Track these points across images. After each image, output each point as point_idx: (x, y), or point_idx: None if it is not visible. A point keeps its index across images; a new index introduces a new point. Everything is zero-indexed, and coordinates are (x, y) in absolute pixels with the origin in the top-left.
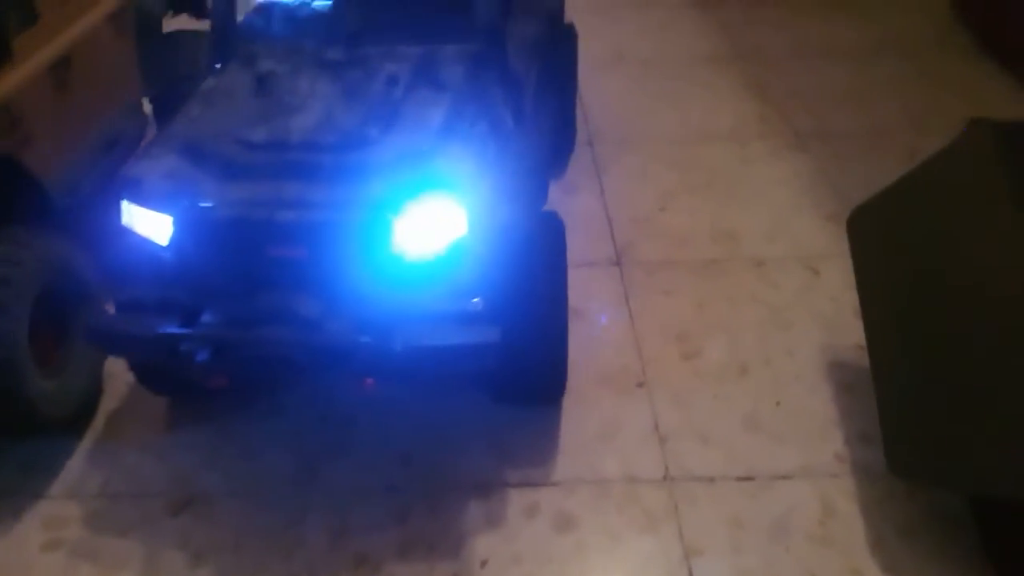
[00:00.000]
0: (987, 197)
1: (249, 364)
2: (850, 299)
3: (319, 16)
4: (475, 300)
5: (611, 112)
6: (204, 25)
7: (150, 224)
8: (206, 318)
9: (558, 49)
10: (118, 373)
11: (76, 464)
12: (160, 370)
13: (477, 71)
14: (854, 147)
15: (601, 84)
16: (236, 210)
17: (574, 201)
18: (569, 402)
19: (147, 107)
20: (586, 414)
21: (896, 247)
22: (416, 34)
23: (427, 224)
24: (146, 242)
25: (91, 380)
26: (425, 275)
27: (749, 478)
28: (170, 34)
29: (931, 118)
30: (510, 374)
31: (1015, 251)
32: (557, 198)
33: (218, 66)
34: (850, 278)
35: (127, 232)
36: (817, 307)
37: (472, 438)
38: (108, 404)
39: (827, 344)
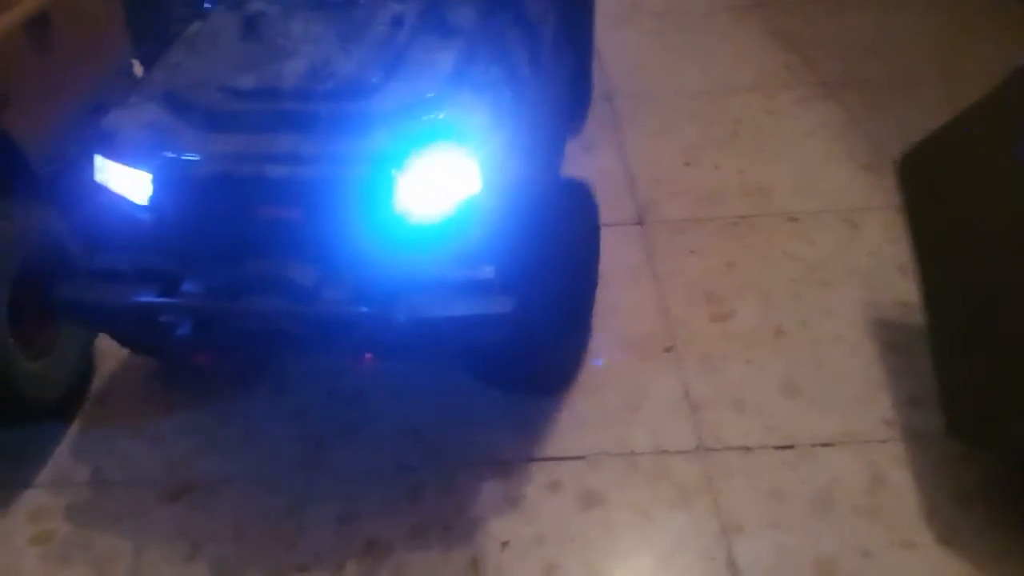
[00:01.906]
0: None
1: (236, 338)
2: (891, 253)
3: None
4: (487, 268)
5: (628, 66)
6: None
7: (126, 181)
8: (188, 287)
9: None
10: (110, 351)
11: (65, 451)
12: (141, 343)
13: (489, 14)
14: (886, 95)
15: (616, 37)
16: (221, 165)
17: (592, 158)
18: (592, 371)
19: (138, 69)
20: (610, 382)
21: (953, 193)
22: None
23: (435, 180)
24: (122, 201)
25: (80, 360)
26: (432, 238)
27: (789, 446)
28: None
29: (965, 64)
30: (514, 354)
31: None
32: (575, 155)
33: (207, 7)
34: (890, 231)
35: (101, 190)
36: (856, 263)
37: (487, 411)
38: (99, 385)
39: (869, 301)
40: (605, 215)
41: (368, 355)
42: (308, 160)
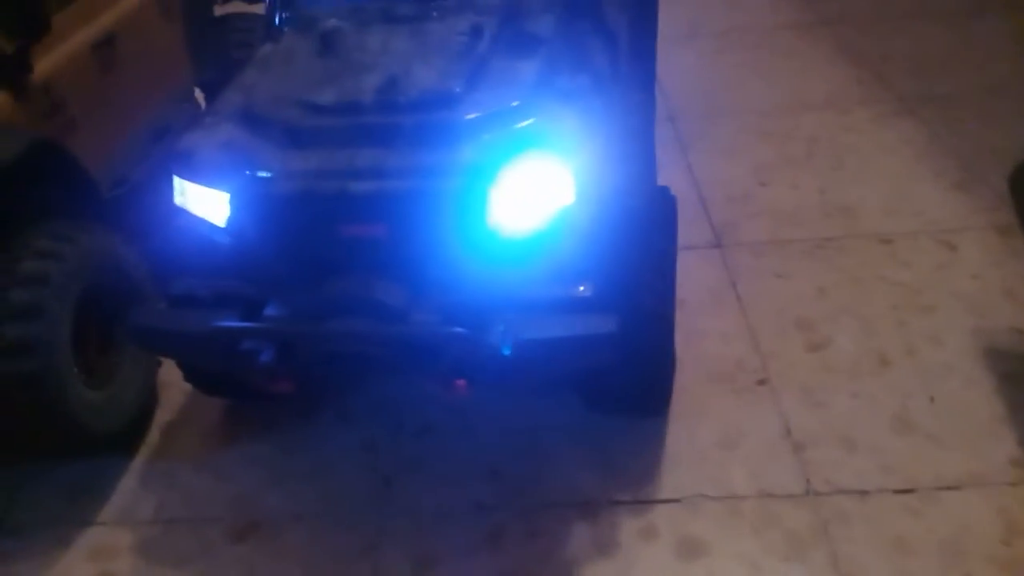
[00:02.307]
0: None
1: (322, 364)
2: (996, 276)
3: None
4: (587, 284)
5: (690, 86)
6: (258, 8)
7: (205, 202)
8: (271, 311)
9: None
10: (174, 382)
11: (127, 485)
12: (218, 374)
13: (570, 22)
14: (966, 110)
15: (676, 59)
16: (303, 182)
17: (660, 180)
18: (678, 405)
19: (199, 95)
20: (700, 418)
21: None
22: None
23: (526, 191)
24: (202, 224)
25: (143, 390)
26: (526, 254)
27: (909, 490)
28: (222, 17)
29: None
30: (616, 375)
31: None
32: None
33: (278, 28)
34: (992, 253)
35: (180, 213)
36: (959, 287)
37: (569, 447)
38: (163, 417)
39: (978, 328)
40: (683, 239)
41: (461, 381)
42: (392, 174)
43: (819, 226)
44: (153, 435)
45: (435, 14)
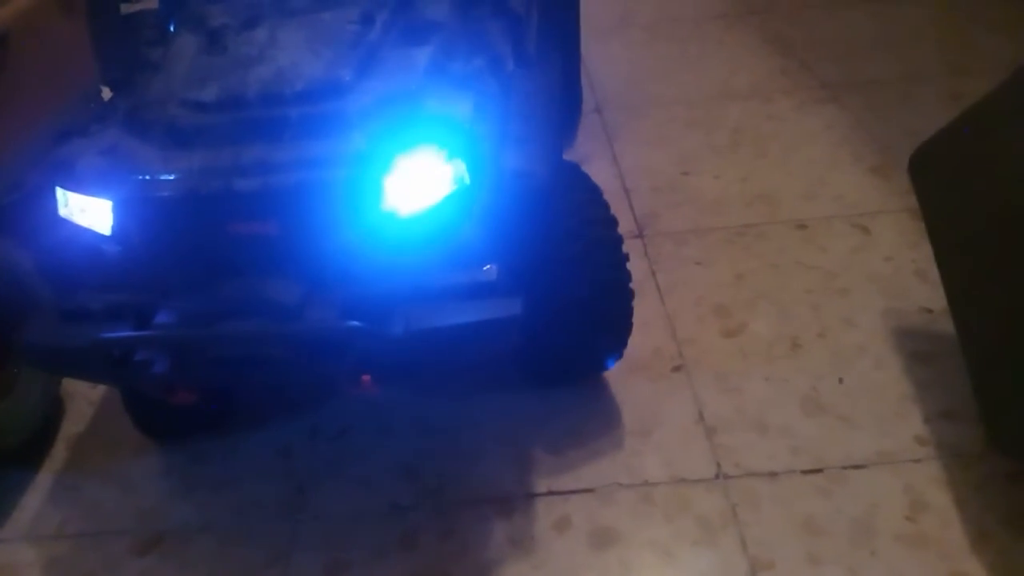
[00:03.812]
0: None
1: (219, 369)
2: (909, 258)
3: None
4: (487, 267)
5: (618, 77)
6: None
7: (90, 212)
8: (162, 318)
9: None
10: (80, 392)
11: (30, 501)
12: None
13: (468, 5)
14: (889, 95)
15: (605, 50)
16: (187, 183)
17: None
18: (595, 394)
19: (106, 95)
20: (617, 407)
21: (972, 189)
22: None
23: (420, 178)
24: (88, 234)
25: (46, 401)
26: (423, 242)
27: (818, 470)
28: (129, 14)
29: (971, 60)
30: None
31: None
32: None
33: (166, 30)
34: (905, 235)
35: (66, 224)
36: (873, 269)
37: (486, 443)
38: (69, 429)
39: (890, 309)
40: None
41: (366, 377)
42: (279, 168)
43: (740, 214)
44: (58, 448)
45: (328, 4)
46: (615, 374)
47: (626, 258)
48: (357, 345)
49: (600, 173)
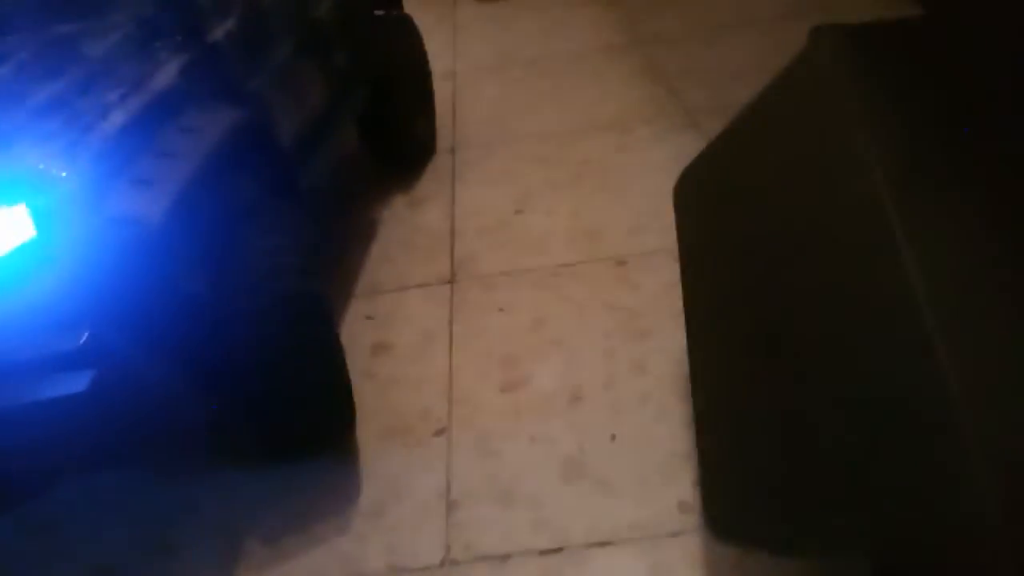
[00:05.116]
0: (833, 124)
1: None
2: None
3: None
4: (66, 336)
5: (484, 116)
6: None
7: None
8: None
9: (376, 41)
10: None
11: None
12: None
13: (146, 39)
14: None
15: (479, 89)
16: None
17: (416, 214)
18: (340, 467)
19: None
20: (359, 481)
21: (724, 214)
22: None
23: None
24: None
25: None
26: None
27: (557, 549)
28: None
29: None
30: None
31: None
32: (398, 213)
33: None
34: None
35: None
36: (680, 306)
37: (196, 535)
38: None
39: (686, 352)
40: (415, 277)
41: None
42: None
43: (560, 253)
44: None
45: None
46: (370, 440)
47: (323, 315)
48: None
49: (431, 216)
